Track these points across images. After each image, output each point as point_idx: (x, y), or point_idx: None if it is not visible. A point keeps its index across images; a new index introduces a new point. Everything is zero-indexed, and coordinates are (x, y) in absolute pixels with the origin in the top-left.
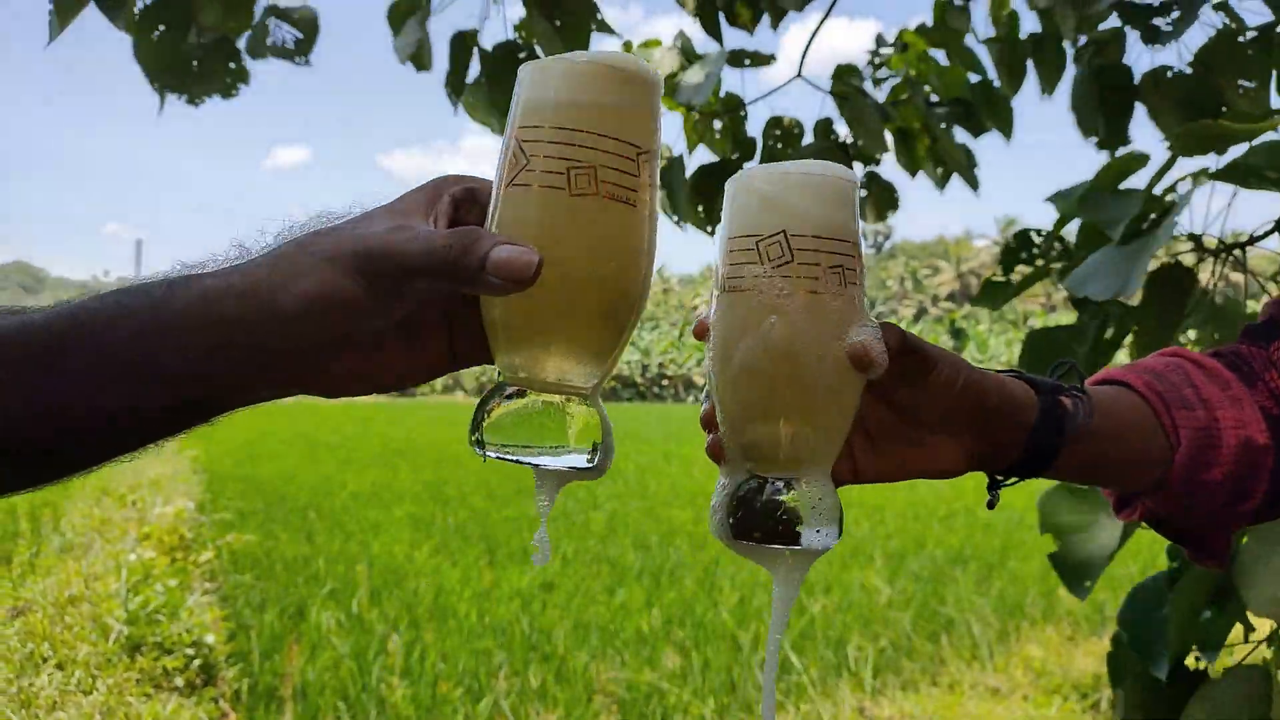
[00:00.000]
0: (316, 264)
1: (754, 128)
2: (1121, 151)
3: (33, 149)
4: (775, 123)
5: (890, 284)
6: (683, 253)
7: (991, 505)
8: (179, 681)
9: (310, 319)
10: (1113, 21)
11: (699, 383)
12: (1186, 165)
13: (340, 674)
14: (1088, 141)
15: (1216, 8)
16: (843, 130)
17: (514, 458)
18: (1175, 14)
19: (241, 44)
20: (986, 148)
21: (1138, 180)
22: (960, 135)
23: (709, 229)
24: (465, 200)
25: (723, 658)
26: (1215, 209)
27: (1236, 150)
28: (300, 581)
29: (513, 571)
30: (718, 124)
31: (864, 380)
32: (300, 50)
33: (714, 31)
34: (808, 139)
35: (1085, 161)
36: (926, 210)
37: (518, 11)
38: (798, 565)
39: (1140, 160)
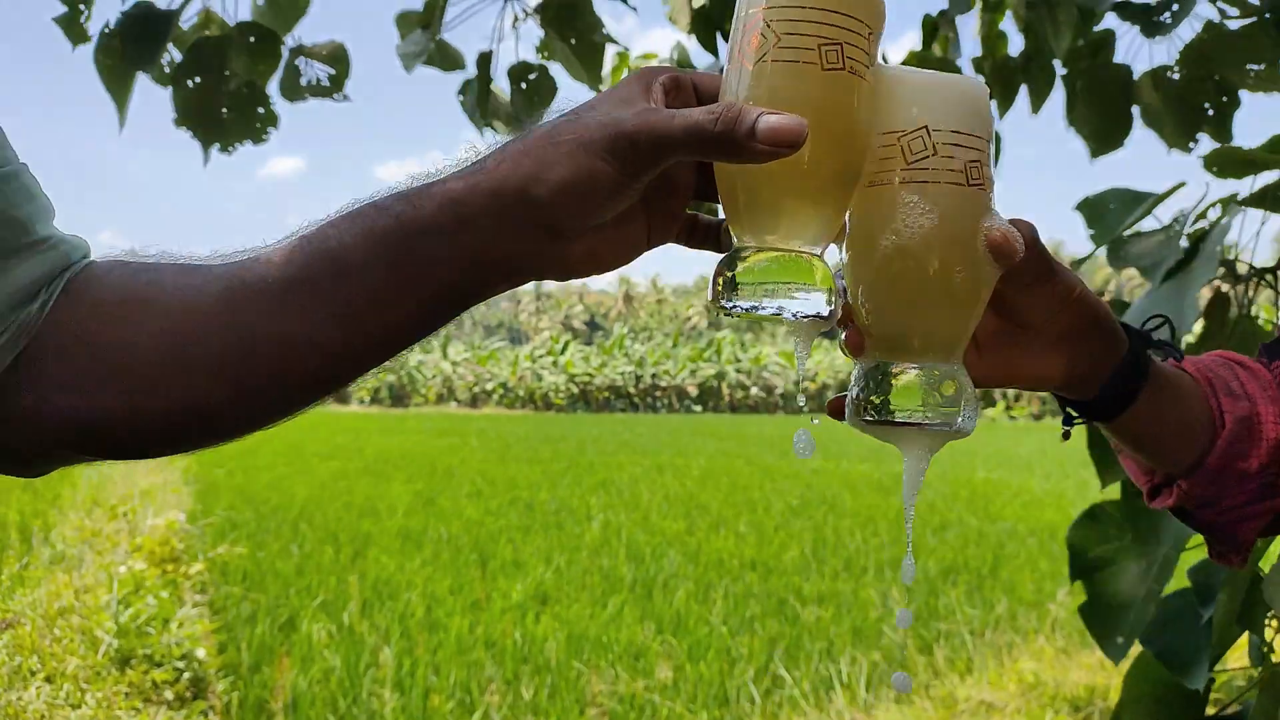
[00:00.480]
0: (569, 151)
1: None
2: (1157, 187)
3: (25, 157)
4: None
5: None
6: (677, 264)
7: (1066, 437)
8: (169, 695)
9: (567, 205)
10: (1105, 23)
11: (692, 393)
12: (1191, 185)
13: (331, 686)
14: (1075, 146)
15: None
16: None
17: (766, 302)
18: (1175, 7)
19: (274, 87)
20: None
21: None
22: None
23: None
24: (672, 88)
25: (716, 670)
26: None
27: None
28: (291, 593)
29: (505, 583)
30: None
31: (998, 272)
32: (335, 85)
33: (710, 47)
34: None
35: (1080, 173)
36: None
37: (529, 31)
38: (935, 445)
39: (1151, 196)
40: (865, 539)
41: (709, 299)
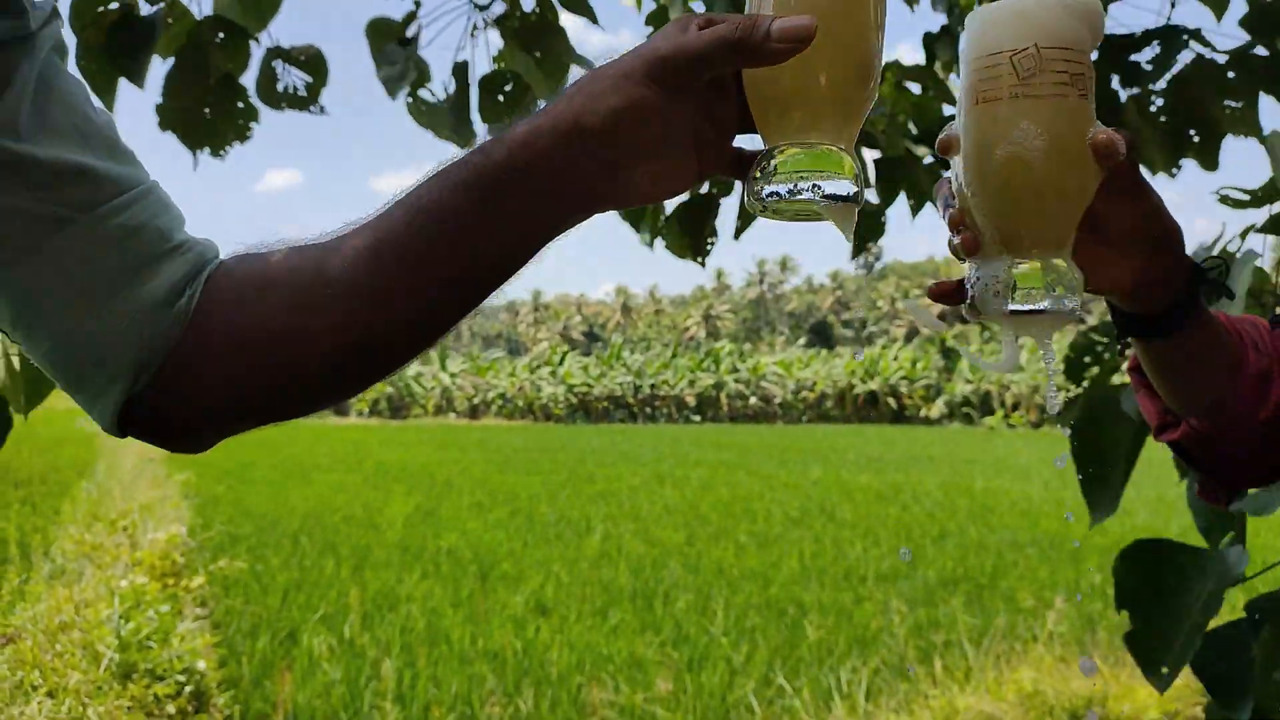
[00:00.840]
0: (615, 82)
1: None
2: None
3: None
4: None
5: (881, 304)
6: (674, 275)
7: (1122, 353)
8: (171, 709)
9: (619, 131)
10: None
11: (691, 403)
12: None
13: (332, 700)
14: None
15: (1192, 36)
16: None
17: (799, 185)
18: (1156, 48)
19: (251, 87)
20: None
21: None
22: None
23: (699, 260)
24: (706, 25)
25: (716, 680)
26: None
27: None
28: (292, 606)
29: (505, 595)
30: None
31: (1100, 175)
32: (311, 96)
33: None
34: None
35: None
36: (916, 231)
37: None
38: (1055, 327)
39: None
40: (865, 549)
41: (747, 200)
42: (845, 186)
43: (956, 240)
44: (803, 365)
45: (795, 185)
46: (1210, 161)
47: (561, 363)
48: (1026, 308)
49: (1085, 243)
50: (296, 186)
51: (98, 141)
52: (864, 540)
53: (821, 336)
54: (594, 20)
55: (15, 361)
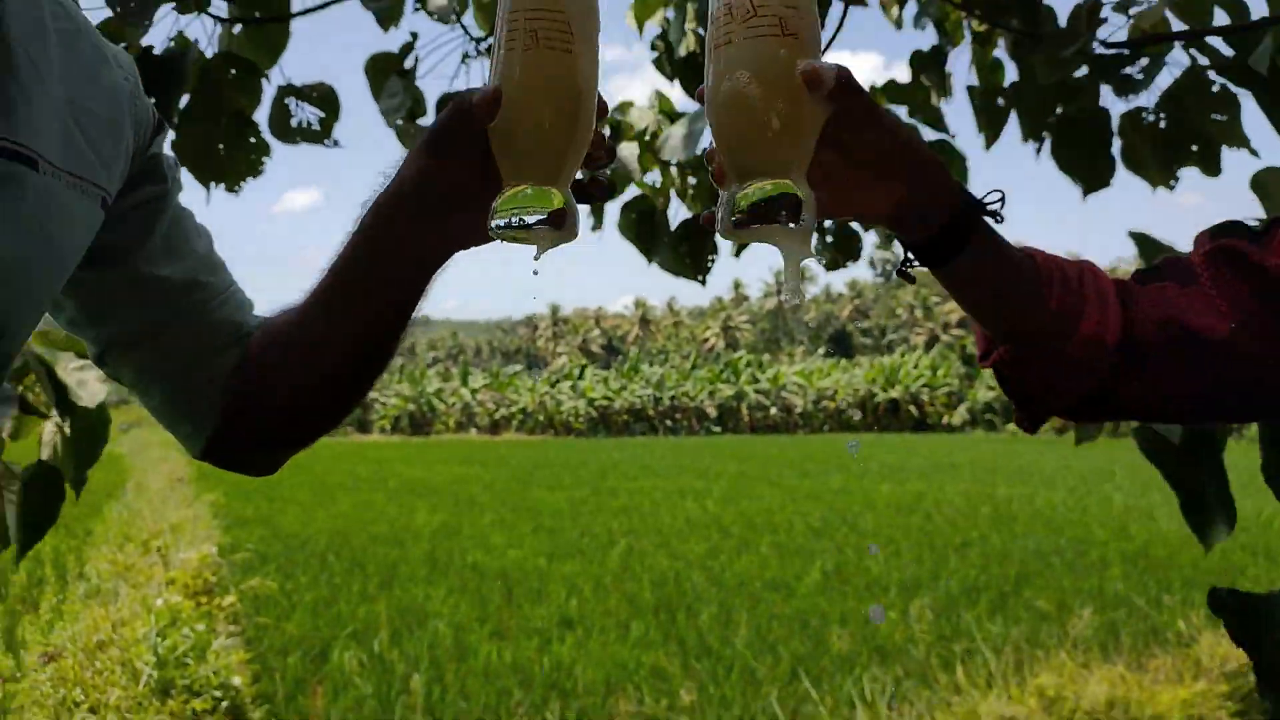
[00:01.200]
0: (413, 155)
1: None
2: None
3: None
4: None
5: (900, 312)
6: (693, 287)
7: (901, 273)
8: None
9: (418, 193)
10: (1086, 68)
11: (711, 414)
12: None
13: (364, 714)
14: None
15: (1187, 46)
16: None
17: (512, 220)
18: (1144, 61)
19: (264, 121)
20: (994, 171)
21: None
22: None
23: (699, 278)
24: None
25: (739, 691)
26: None
27: None
28: (322, 624)
29: (530, 609)
30: (693, 180)
31: (822, 104)
32: (325, 130)
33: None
34: None
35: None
36: None
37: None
38: (800, 238)
39: None
40: (887, 559)
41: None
42: (547, 217)
43: (713, 170)
44: (822, 375)
45: (510, 220)
46: (1213, 168)
47: (581, 376)
48: (748, 219)
49: (838, 168)
50: (317, 206)
51: (203, 259)
52: (886, 550)
53: (841, 345)
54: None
55: (67, 430)
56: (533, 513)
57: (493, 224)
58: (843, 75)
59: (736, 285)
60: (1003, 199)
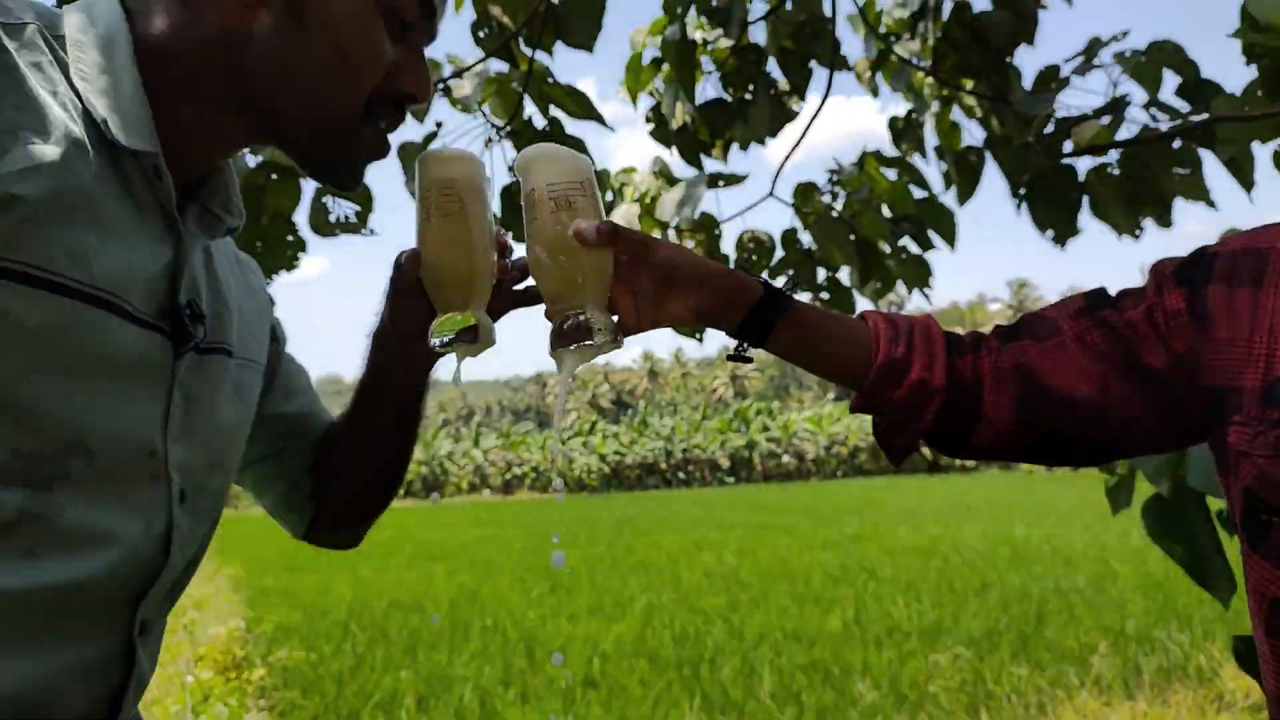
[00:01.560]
0: (385, 299)
1: (726, 242)
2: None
3: None
4: (745, 238)
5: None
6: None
7: (733, 358)
8: None
9: (391, 329)
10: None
11: (724, 465)
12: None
13: None
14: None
15: (1147, 105)
16: (806, 239)
17: (439, 339)
18: (1105, 119)
19: (302, 221)
20: (991, 210)
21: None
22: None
23: (697, 336)
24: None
25: None
26: None
27: None
28: (348, 693)
29: (553, 670)
30: (690, 243)
31: (602, 251)
32: (362, 221)
33: (694, 161)
34: (777, 251)
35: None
36: (939, 276)
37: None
38: (577, 360)
39: None
40: (907, 604)
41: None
42: (460, 334)
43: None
44: (833, 420)
45: (438, 339)
46: (1165, 221)
47: (591, 432)
48: (560, 345)
49: (649, 294)
50: (326, 274)
51: (309, 395)
52: (905, 596)
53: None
54: (603, 123)
55: None
56: (550, 573)
57: (430, 342)
58: (603, 229)
59: None
60: (794, 284)
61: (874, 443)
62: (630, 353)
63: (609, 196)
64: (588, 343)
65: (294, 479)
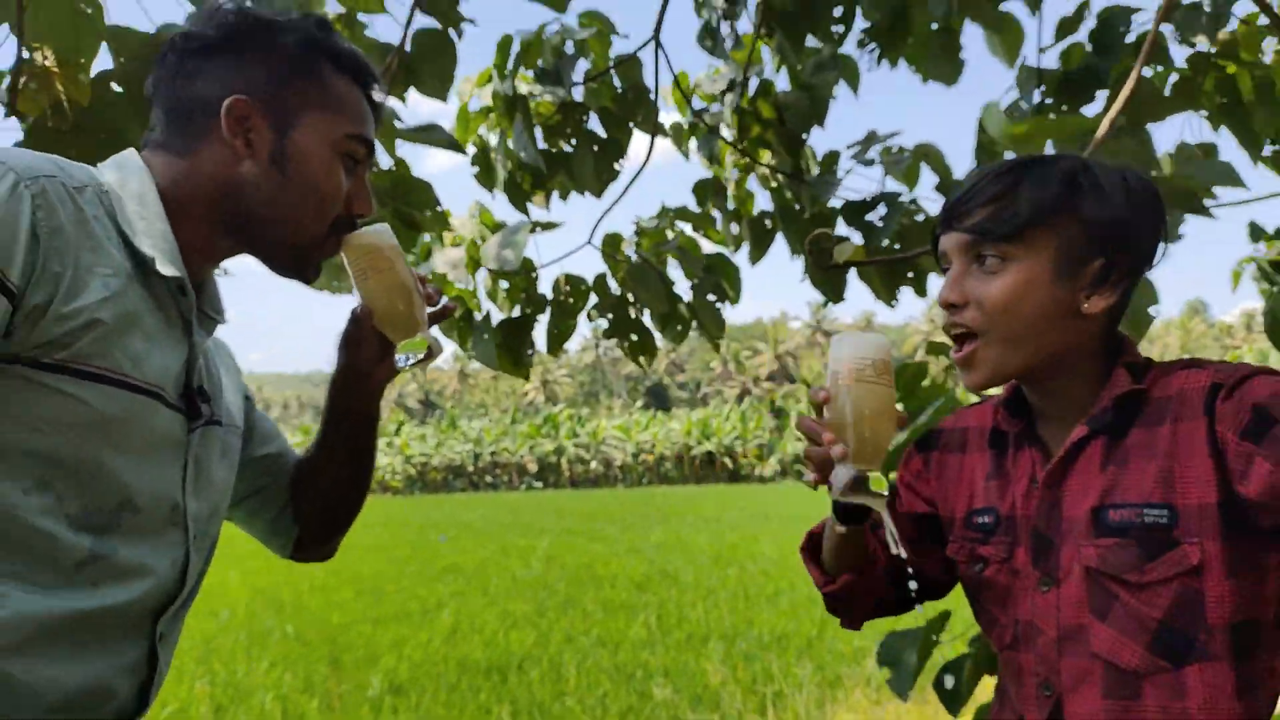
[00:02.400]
0: (339, 344)
1: (543, 284)
2: None
3: None
4: (562, 281)
5: (714, 365)
6: None
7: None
8: None
9: (349, 378)
10: (834, 202)
11: (532, 469)
12: None
13: None
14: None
15: (913, 203)
16: (613, 285)
17: (404, 359)
18: (883, 210)
19: None
20: None
21: None
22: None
23: (523, 374)
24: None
25: None
26: None
27: None
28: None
29: (359, 676)
30: (504, 284)
31: (892, 425)
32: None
33: (521, 207)
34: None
35: None
36: (745, 293)
37: None
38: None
39: None
40: (706, 610)
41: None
42: (421, 355)
43: (833, 451)
44: (641, 428)
45: (404, 358)
46: (920, 291)
47: (398, 433)
48: (865, 497)
49: None
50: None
51: (279, 437)
52: (705, 602)
53: (658, 398)
54: (461, 150)
55: None
56: (354, 576)
57: (398, 361)
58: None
59: None
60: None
61: (677, 450)
62: (443, 352)
63: (425, 237)
64: (869, 498)
65: (278, 508)
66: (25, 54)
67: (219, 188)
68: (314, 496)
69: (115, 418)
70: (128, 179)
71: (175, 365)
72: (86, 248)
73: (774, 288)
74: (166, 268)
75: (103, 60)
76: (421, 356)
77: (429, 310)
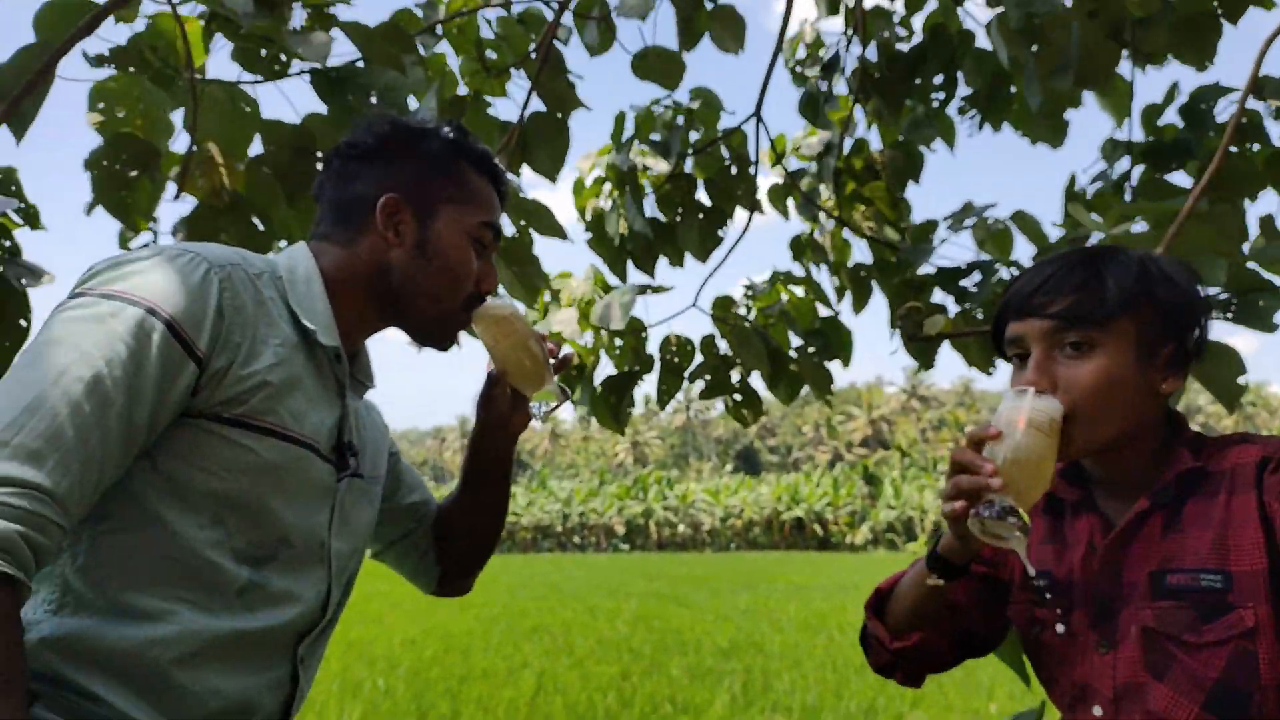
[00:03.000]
0: (479, 400)
1: (651, 344)
2: None
3: None
4: (670, 341)
5: (806, 430)
6: None
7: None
8: None
9: (487, 430)
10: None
11: (619, 531)
12: None
13: None
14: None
15: (1008, 264)
16: (722, 345)
17: (541, 406)
18: (977, 276)
19: None
20: None
21: None
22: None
23: (620, 430)
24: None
25: None
26: None
27: None
28: None
29: None
30: (619, 341)
31: (1048, 475)
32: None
33: (622, 275)
34: (697, 355)
35: None
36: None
37: None
38: (1007, 532)
39: None
40: (792, 680)
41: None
42: (549, 403)
43: (993, 481)
44: (730, 492)
45: (535, 407)
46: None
47: None
48: (1009, 529)
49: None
50: None
51: (422, 484)
52: (791, 672)
53: (748, 462)
54: (564, 237)
55: None
56: (443, 634)
57: (532, 409)
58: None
59: (646, 400)
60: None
61: (766, 515)
62: (571, 397)
63: (546, 297)
64: (1015, 530)
65: (423, 550)
66: (194, 146)
67: (373, 271)
68: (456, 537)
69: (279, 465)
70: (297, 265)
71: (329, 422)
72: (263, 322)
73: (869, 353)
74: (326, 338)
75: (254, 147)
76: (555, 405)
77: (552, 362)
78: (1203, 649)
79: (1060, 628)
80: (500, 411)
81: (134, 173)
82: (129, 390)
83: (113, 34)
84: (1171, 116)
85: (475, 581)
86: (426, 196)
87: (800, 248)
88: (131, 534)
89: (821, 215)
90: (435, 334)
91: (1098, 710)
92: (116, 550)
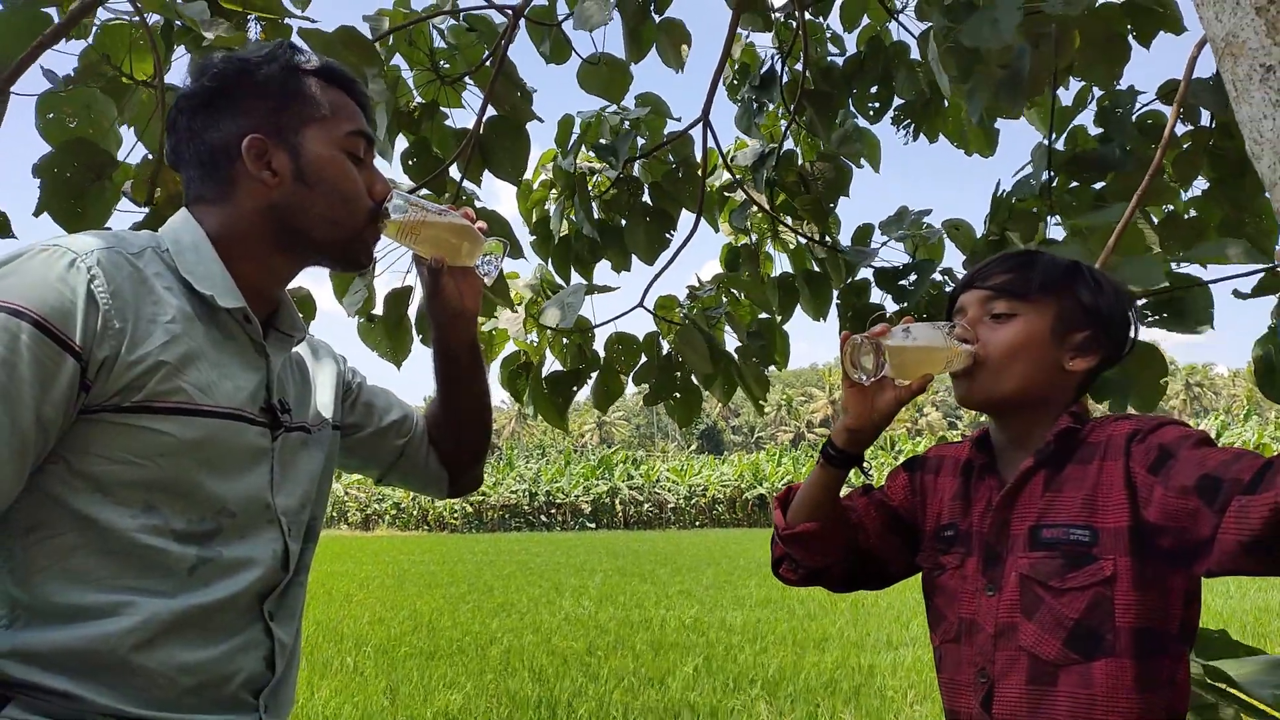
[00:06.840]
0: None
1: (597, 343)
2: None
3: None
4: (617, 339)
5: (768, 411)
6: None
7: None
8: None
9: (437, 311)
10: (865, 273)
11: (586, 510)
12: None
13: None
14: None
15: (942, 272)
16: (665, 346)
17: (485, 260)
18: (914, 277)
19: None
20: None
21: None
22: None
23: (563, 428)
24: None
25: None
26: None
27: None
28: None
29: (414, 708)
30: (565, 340)
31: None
32: (300, 332)
33: (566, 277)
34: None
35: None
36: (799, 339)
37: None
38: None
39: None
40: (754, 654)
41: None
42: (493, 260)
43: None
44: (695, 471)
45: (481, 265)
46: None
47: None
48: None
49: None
50: None
51: (400, 403)
52: (753, 646)
53: (712, 442)
54: (519, 252)
55: None
56: (411, 612)
57: (481, 270)
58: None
59: None
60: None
61: (730, 493)
62: (499, 394)
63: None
64: (872, 372)
65: (424, 460)
66: (151, 154)
67: (262, 217)
68: (451, 436)
69: (200, 441)
70: (181, 234)
71: (251, 385)
72: (147, 302)
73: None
74: (227, 301)
75: None
76: (501, 257)
77: (477, 224)
78: (1066, 593)
79: (954, 572)
80: (451, 298)
81: (92, 181)
82: (6, 397)
83: (65, 46)
84: (1085, 119)
85: (483, 473)
86: (286, 125)
87: (735, 259)
88: (64, 537)
89: (749, 225)
90: (349, 256)
91: (980, 643)
92: (54, 556)
